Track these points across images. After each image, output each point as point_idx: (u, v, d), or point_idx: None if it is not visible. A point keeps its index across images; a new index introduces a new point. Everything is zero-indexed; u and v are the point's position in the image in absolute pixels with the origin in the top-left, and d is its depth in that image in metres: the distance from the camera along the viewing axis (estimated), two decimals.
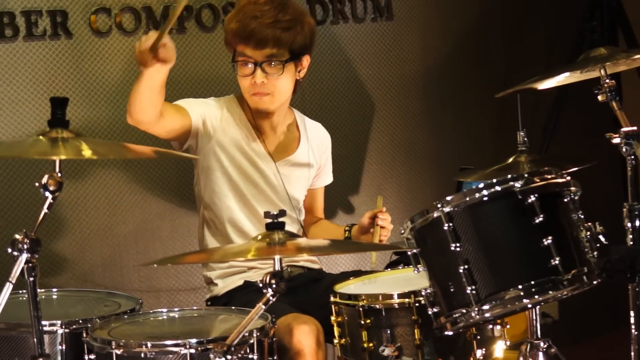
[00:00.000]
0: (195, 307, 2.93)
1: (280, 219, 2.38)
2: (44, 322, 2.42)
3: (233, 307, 2.84)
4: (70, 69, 3.43)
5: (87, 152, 2.33)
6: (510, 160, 3.01)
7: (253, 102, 3.08)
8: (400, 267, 3.23)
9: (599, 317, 4.32)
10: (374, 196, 3.87)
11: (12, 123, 3.36)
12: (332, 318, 2.73)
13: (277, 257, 2.31)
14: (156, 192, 3.59)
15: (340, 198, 3.95)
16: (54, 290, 3.06)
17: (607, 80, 2.68)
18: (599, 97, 2.70)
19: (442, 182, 4.10)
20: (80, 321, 2.69)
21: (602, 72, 2.70)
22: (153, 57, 2.74)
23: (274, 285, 2.27)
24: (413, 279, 2.71)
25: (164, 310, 2.83)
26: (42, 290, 2.62)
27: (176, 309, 2.84)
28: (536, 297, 2.40)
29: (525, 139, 3.00)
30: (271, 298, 2.28)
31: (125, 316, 2.77)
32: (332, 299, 2.73)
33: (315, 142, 3.29)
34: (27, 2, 3.34)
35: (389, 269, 3.30)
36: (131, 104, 2.89)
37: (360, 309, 2.65)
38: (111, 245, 3.54)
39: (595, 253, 2.48)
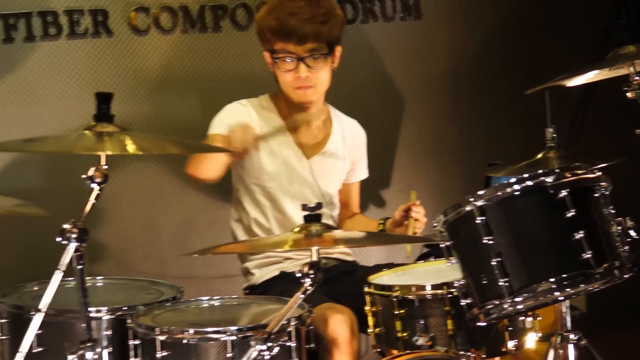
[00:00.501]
0: (235, 296, 2.98)
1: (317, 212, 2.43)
2: (90, 309, 2.49)
3: (271, 296, 2.90)
4: (111, 66, 3.53)
5: (132, 147, 2.39)
6: (539, 156, 3.05)
7: (297, 96, 3.14)
8: (431, 259, 3.29)
9: (627, 310, 4.35)
10: (404, 190, 3.93)
11: (57, 118, 3.46)
12: (367, 308, 2.78)
13: (314, 248, 2.37)
14: (195, 185, 3.68)
15: (371, 192, 4.01)
16: (99, 278, 3.14)
17: (636, 77, 2.72)
18: (628, 94, 2.74)
19: (470, 177, 4.14)
20: (125, 308, 2.76)
21: (631, 69, 2.74)
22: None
23: (312, 276, 2.34)
24: (445, 271, 2.76)
25: (205, 298, 2.89)
26: (88, 277, 2.63)
27: (217, 297, 2.89)
28: (568, 290, 2.44)
29: (554, 135, 3.04)
30: (309, 288, 2.35)
31: (168, 304, 2.83)
32: (366, 289, 2.78)
33: (350, 137, 3.34)
34: (69, 2, 3.44)
35: (420, 261, 3.37)
36: (200, 170, 3.04)
37: (394, 299, 2.70)
38: (152, 236, 3.64)
39: (626, 247, 2.51)
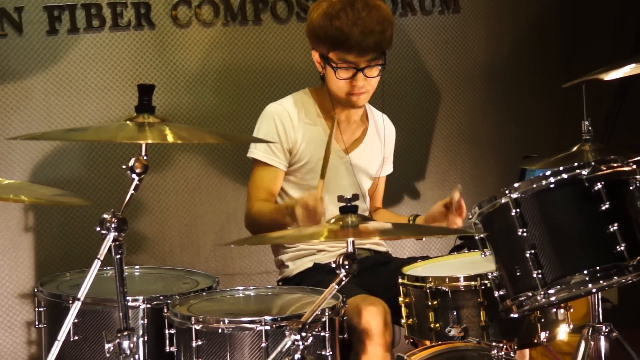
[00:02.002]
0: (269, 286, 3.00)
1: (354, 203, 2.45)
2: (127, 298, 2.46)
3: (305, 287, 2.92)
4: (153, 58, 3.57)
5: (171, 137, 2.40)
6: (575, 149, 3.03)
7: (351, 102, 3.13)
8: (465, 251, 3.30)
9: None
10: (439, 182, 3.94)
11: (99, 108, 3.51)
12: (400, 299, 2.79)
13: (350, 239, 2.39)
14: (232, 176, 3.72)
15: (406, 185, 4.02)
16: (136, 267, 3.19)
17: None
18: None
19: (505, 170, 4.16)
20: (161, 297, 2.79)
21: None
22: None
23: (346, 267, 2.35)
24: (479, 263, 2.78)
25: (240, 288, 2.93)
26: (126, 267, 2.57)
27: (252, 287, 2.93)
28: (601, 282, 2.44)
29: (590, 128, 3.02)
30: (344, 279, 2.36)
31: (204, 293, 2.86)
32: (400, 280, 2.79)
33: (383, 132, 3.35)
34: None
35: (454, 253, 3.38)
36: (256, 230, 3.08)
37: (428, 290, 2.70)
38: (189, 226, 3.68)
39: None
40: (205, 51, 3.64)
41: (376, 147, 3.32)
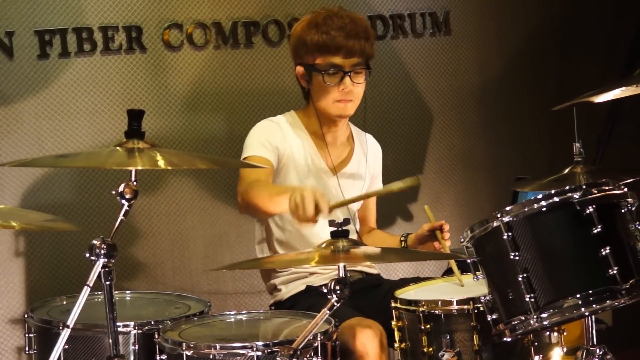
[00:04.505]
0: (262, 310, 2.99)
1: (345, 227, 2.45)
2: (118, 323, 2.48)
3: (298, 311, 2.91)
4: (145, 82, 3.57)
5: (161, 163, 2.40)
6: (567, 171, 3.04)
7: (337, 109, 3.15)
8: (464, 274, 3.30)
9: None
10: (432, 204, 3.92)
11: (90, 133, 3.51)
12: (393, 323, 2.78)
13: (341, 264, 2.38)
14: (223, 199, 3.71)
15: (399, 206, 4.02)
16: (128, 292, 3.18)
17: None
18: None
19: (497, 191, 4.16)
20: (153, 322, 2.78)
21: None
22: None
23: (338, 292, 2.34)
24: (471, 286, 2.79)
25: (232, 312, 2.91)
26: (117, 292, 2.68)
27: (243, 312, 2.91)
28: (594, 306, 2.44)
29: (582, 150, 3.03)
30: (335, 304, 2.36)
31: (195, 318, 2.84)
32: (392, 304, 2.78)
33: (369, 152, 3.36)
34: (104, 18, 3.49)
35: (445, 276, 3.37)
36: (254, 209, 3.03)
37: (420, 314, 2.69)
38: (181, 250, 3.67)
39: None
40: (197, 74, 3.65)
41: (362, 167, 3.33)
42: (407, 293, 2.89)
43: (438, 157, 4.13)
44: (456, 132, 4.17)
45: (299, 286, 3.19)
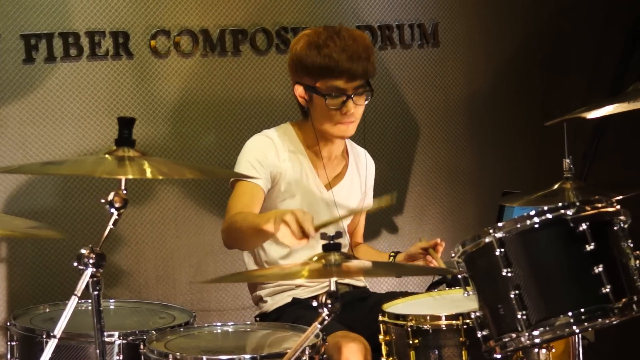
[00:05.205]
0: (248, 322, 2.97)
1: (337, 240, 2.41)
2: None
3: (285, 323, 2.88)
4: (131, 88, 3.54)
5: (152, 172, 2.36)
6: (556, 186, 3.02)
7: (339, 131, 3.12)
8: (444, 288, 3.28)
9: (635, 340, 4.33)
10: (417, 217, 3.93)
11: (75, 139, 3.47)
12: (380, 337, 2.75)
13: (333, 279, 2.34)
14: (209, 208, 3.69)
15: (384, 219, 4.01)
16: (111, 301, 3.13)
17: None
18: None
19: (483, 205, 4.16)
20: (137, 332, 2.74)
21: None
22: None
23: (329, 306, 2.31)
24: (460, 301, 2.74)
25: (218, 324, 2.88)
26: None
27: (230, 323, 2.88)
28: (585, 324, 2.42)
29: (572, 166, 3.02)
30: (326, 318, 2.32)
31: (181, 329, 2.81)
32: (380, 317, 2.75)
33: (363, 167, 3.34)
34: (91, 23, 3.46)
35: (433, 290, 3.35)
36: (234, 244, 3.04)
37: (409, 329, 2.67)
38: (165, 259, 3.64)
39: None
40: (183, 82, 3.62)
41: (356, 182, 3.31)
42: (395, 307, 2.86)
43: (424, 169, 4.12)
44: (442, 144, 4.16)
45: (285, 298, 3.17)
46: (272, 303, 3.17)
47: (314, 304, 2.34)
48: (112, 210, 2.34)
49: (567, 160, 3.03)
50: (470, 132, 4.22)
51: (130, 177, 2.34)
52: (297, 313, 3.03)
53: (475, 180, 4.23)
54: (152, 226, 3.60)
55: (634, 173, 4.24)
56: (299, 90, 3.12)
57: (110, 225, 2.35)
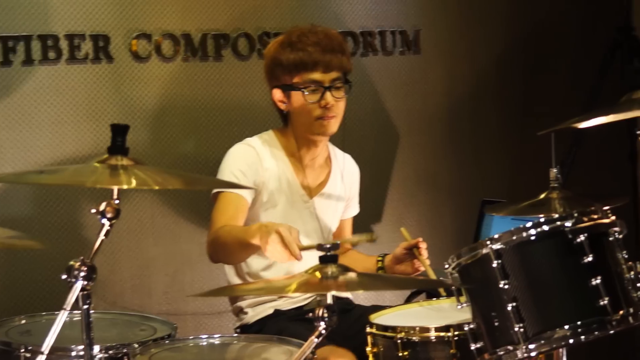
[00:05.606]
0: (235, 334, 2.92)
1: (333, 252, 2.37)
2: (80, 347, 2.40)
3: (272, 336, 2.81)
4: (111, 93, 3.47)
5: (147, 182, 2.30)
6: (542, 196, 3.01)
7: (320, 127, 3.11)
8: (425, 299, 3.25)
9: (607, 350, 4.34)
10: (395, 224, 3.90)
11: (51, 144, 3.39)
12: (368, 349, 2.71)
13: (330, 293, 2.29)
14: (187, 216, 3.62)
15: (362, 226, 3.95)
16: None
17: None
18: None
19: (462, 213, 4.13)
20: (119, 346, 2.66)
21: None
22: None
23: (326, 319, 2.28)
24: (447, 311, 2.75)
25: (204, 336, 2.81)
26: (77, 311, 2.45)
27: (216, 335, 2.81)
28: (582, 337, 2.41)
29: (559, 175, 3.01)
30: (323, 332, 2.29)
31: (166, 342, 2.73)
32: (368, 329, 2.71)
33: (346, 174, 3.32)
34: (70, 26, 3.38)
35: (415, 300, 3.33)
36: (220, 258, 3.03)
37: (398, 340, 2.63)
38: (141, 268, 3.56)
39: (638, 293, 2.48)
40: (164, 86, 3.55)
41: (339, 189, 3.28)
42: (383, 317, 2.82)
43: (403, 177, 4.09)
44: (422, 152, 4.14)
45: (267, 309, 3.12)
46: (254, 314, 3.12)
47: (310, 315, 2.29)
48: (104, 220, 2.27)
49: (554, 170, 3.03)
50: (450, 140, 4.21)
51: (125, 187, 2.26)
52: (279, 325, 2.99)
53: (455, 188, 4.22)
54: (128, 234, 3.52)
55: (614, 183, 4.27)
56: (277, 94, 3.11)
57: (101, 236, 2.29)
